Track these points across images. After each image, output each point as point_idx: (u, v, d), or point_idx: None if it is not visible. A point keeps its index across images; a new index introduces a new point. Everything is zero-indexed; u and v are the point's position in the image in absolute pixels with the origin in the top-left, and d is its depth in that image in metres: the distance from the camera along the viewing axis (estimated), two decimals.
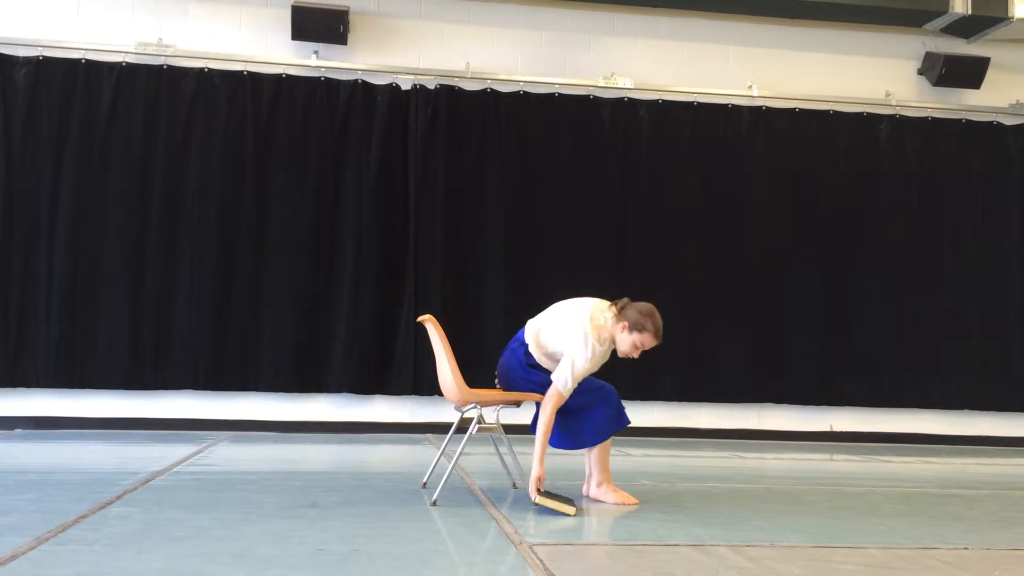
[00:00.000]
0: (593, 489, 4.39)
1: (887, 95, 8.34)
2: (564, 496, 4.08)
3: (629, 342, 4.13)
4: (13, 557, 2.91)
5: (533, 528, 3.62)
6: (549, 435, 4.10)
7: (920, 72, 8.42)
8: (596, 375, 4.29)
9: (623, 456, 6.25)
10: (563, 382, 4.09)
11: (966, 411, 8.18)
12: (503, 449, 4.74)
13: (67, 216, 7.13)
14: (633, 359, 4.22)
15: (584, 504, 4.21)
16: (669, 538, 3.56)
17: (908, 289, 8.13)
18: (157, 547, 3.09)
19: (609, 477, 4.40)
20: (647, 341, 4.12)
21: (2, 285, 7.05)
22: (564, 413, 4.21)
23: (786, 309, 7.97)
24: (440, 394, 4.75)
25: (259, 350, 7.32)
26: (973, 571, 3.10)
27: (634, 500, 4.30)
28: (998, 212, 8.35)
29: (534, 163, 7.78)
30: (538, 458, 4.04)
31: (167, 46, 7.42)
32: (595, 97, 7.92)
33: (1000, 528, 4.00)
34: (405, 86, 7.67)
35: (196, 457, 5.64)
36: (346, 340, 7.38)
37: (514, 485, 4.68)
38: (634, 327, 4.11)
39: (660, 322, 4.12)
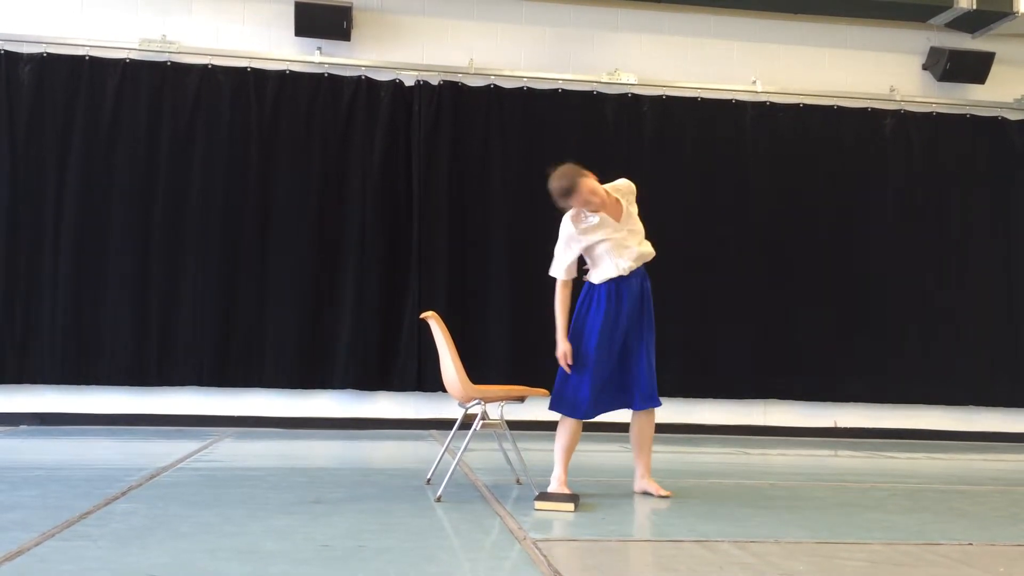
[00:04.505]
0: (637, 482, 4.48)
1: (892, 90, 8.32)
2: (564, 494, 4.08)
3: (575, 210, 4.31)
4: (19, 553, 2.91)
5: (537, 524, 3.63)
6: (565, 315, 4.33)
7: (925, 67, 8.39)
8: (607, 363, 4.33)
9: (627, 452, 6.24)
10: (553, 270, 4.43)
11: (971, 407, 8.16)
12: (507, 445, 4.74)
13: (72, 213, 7.15)
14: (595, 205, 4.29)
15: (587, 500, 4.21)
16: (673, 534, 3.56)
17: (913, 284, 8.12)
18: (162, 543, 3.10)
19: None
20: (566, 205, 4.32)
21: (8, 282, 7.06)
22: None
23: (790, 305, 7.96)
24: (444, 390, 4.76)
25: (263, 347, 7.33)
26: (978, 567, 3.10)
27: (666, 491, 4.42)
28: (1003, 207, 8.33)
29: (537, 159, 7.68)
30: (561, 335, 4.29)
31: (171, 43, 7.43)
32: (599, 93, 7.91)
33: (1005, 524, 4.00)
34: (408, 82, 7.67)
35: (201, 453, 5.65)
36: (350, 337, 7.39)
37: (518, 481, 4.69)
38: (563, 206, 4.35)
39: (552, 174, 4.38)
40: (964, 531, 3.77)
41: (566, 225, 4.34)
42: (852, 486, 5.11)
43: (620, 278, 4.32)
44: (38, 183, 7.15)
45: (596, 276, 4.37)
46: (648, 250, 4.41)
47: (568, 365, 4.24)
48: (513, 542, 3.30)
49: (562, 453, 4.33)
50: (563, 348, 4.26)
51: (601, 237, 4.30)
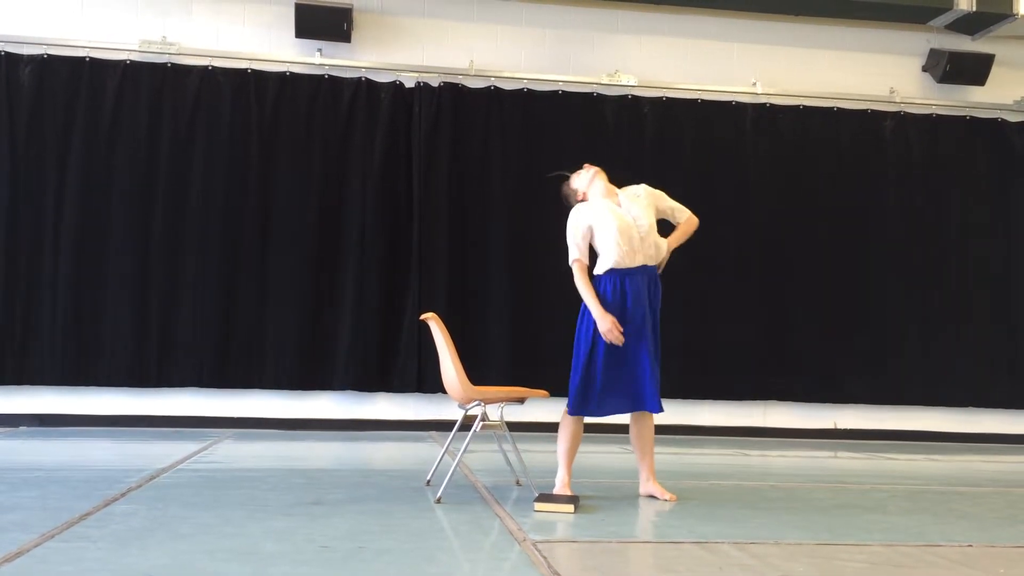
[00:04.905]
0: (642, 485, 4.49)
1: (891, 92, 8.33)
2: (564, 496, 4.08)
3: (581, 181, 4.53)
4: (19, 554, 2.92)
5: (537, 525, 3.63)
6: (591, 294, 4.28)
7: (924, 69, 8.40)
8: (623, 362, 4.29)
9: (627, 453, 6.25)
10: (570, 254, 4.37)
11: (971, 408, 8.16)
12: (507, 446, 4.74)
13: (72, 214, 7.15)
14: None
15: (587, 502, 4.21)
16: (673, 535, 3.57)
17: (912, 286, 8.12)
18: (162, 544, 3.10)
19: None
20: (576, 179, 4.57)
21: (8, 283, 7.07)
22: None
23: (790, 306, 7.96)
24: (444, 391, 4.75)
25: (263, 348, 7.33)
26: (978, 568, 3.10)
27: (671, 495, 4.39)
28: (1002, 209, 8.33)
29: (537, 161, 7.76)
30: (598, 312, 4.22)
31: (171, 44, 7.43)
32: (599, 95, 7.91)
33: (1005, 525, 4.00)
34: (409, 84, 7.67)
35: (200, 454, 5.65)
36: (350, 338, 7.39)
37: (518, 482, 4.69)
38: (574, 187, 4.56)
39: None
40: (964, 532, 3.77)
41: (573, 210, 4.45)
42: (852, 487, 5.11)
43: (624, 271, 4.29)
44: (38, 184, 7.16)
45: (600, 265, 4.36)
46: (657, 239, 4.39)
47: (621, 334, 4.19)
48: (513, 543, 3.30)
49: (565, 455, 4.33)
50: (608, 321, 4.19)
51: (605, 218, 4.32)
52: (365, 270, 7.47)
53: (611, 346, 4.24)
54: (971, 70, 8.25)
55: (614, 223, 4.30)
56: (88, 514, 3.59)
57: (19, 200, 7.12)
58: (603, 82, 7.94)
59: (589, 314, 4.29)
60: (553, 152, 7.79)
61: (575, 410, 4.31)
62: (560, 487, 4.25)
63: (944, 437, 8.07)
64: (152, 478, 4.59)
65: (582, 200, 4.50)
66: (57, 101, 7.21)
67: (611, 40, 8.06)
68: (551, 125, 7.79)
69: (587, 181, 4.50)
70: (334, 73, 7.61)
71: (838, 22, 8.28)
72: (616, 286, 4.30)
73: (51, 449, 5.93)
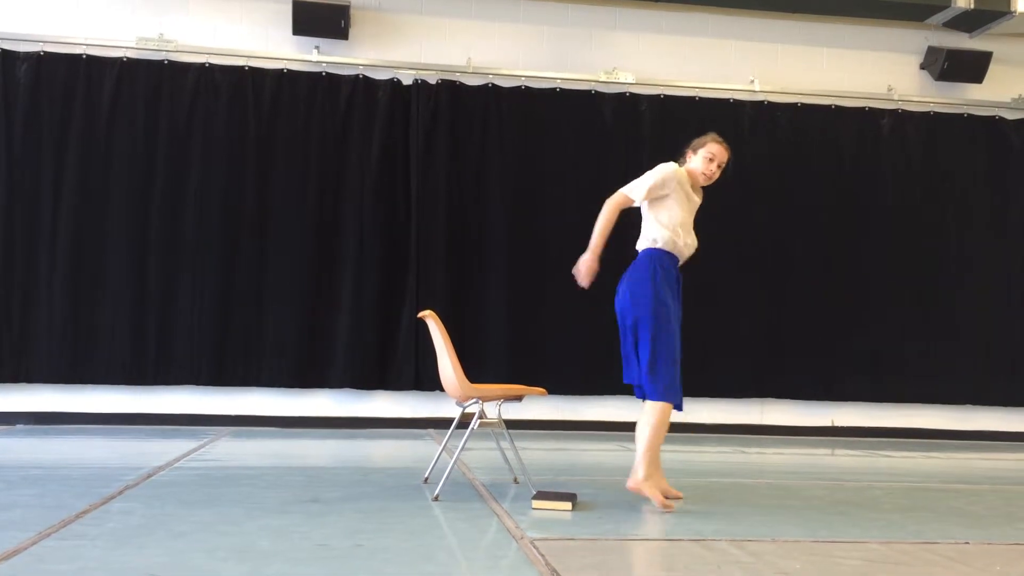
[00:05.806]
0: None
1: (889, 90, 8.33)
2: (561, 493, 4.09)
3: (700, 160, 4.35)
4: (16, 552, 2.91)
5: (535, 523, 3.63)
6: (606, 230, 4.27)
7: (922, 66, 8.40)
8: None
9: (625, 451, 6.25)
10: (628, 187, 4.30)
11: (968, 406, 8.17)
12: (504, 444, 4.74)
13: (69, 212, 7.14)
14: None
15: (585, 499, 4.21)
16: (671, 533, 3.57)
17: (910, 284, 8.13)
18: (159, 542, 3.10)
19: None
20: (709, 148, 4.35)
21: (4, 280, 7.06)
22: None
23: (788, 304, 7.96)
24: (441, 389, 4.75)
25: (261, 345, 7.32)
26: (974, 566, 3.10)
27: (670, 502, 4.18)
28: (1000, 206, 8.34)
29: (535, 158, 7.77)
30: (592, 247, 4.22)
31: (168, 41, 7.42)
32: (597, 92, 7.91)
33: (1002, 523, 4.00)
34: (406, 81, 7.66)
35: (198, 452, 5.65)
36: (348, 336, 7.39)
37: (515, 480, 4.69)
38: (694, 147, 4.40)
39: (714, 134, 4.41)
40: (961, 530, 3.77)
41: (670, 165, 4.33)
42: (849, 485, 5.12)
43: (662, 253, 4.36)
44: (35, 182, 7.14)
45: (657, 236, 4.33)
46: (689, 252, 4.52)
47: (585, 279, 4.18)
48: (511, 541, 3.30)
49: (656, 451, 4.17)
50: (589, 265, 4.20)
51: (681, 198, 4.32)
52: (363, 268, 7.46)
53: (673, 319, 4.32)
54: (969, 67, 8.26)
55: (685, 210, 4.34)
56: (85, 512, 3.59)
57: (15, 198, 7.11)
58: (601, 80, 7.93)
59: (645, 296, 4.25)
60: (551, 150, 7.79)
61: (660, 395, 4.36)
62: (651, 487, 4.07)
63: (942, 435, 8.08)
64: (149, 476, 4.58)
65: (684, 159, 4.41)
66: (54, 98, 7.20)
67: (609, 38, 8.06)
68: (549, 123, 7.78)
69: (705, 158, 4.33)
70: (332, 70, 7.60)
71: (836, 20, 8.28)
72: (668, 267, 4.38)
73: (48, 447, 5.92)
